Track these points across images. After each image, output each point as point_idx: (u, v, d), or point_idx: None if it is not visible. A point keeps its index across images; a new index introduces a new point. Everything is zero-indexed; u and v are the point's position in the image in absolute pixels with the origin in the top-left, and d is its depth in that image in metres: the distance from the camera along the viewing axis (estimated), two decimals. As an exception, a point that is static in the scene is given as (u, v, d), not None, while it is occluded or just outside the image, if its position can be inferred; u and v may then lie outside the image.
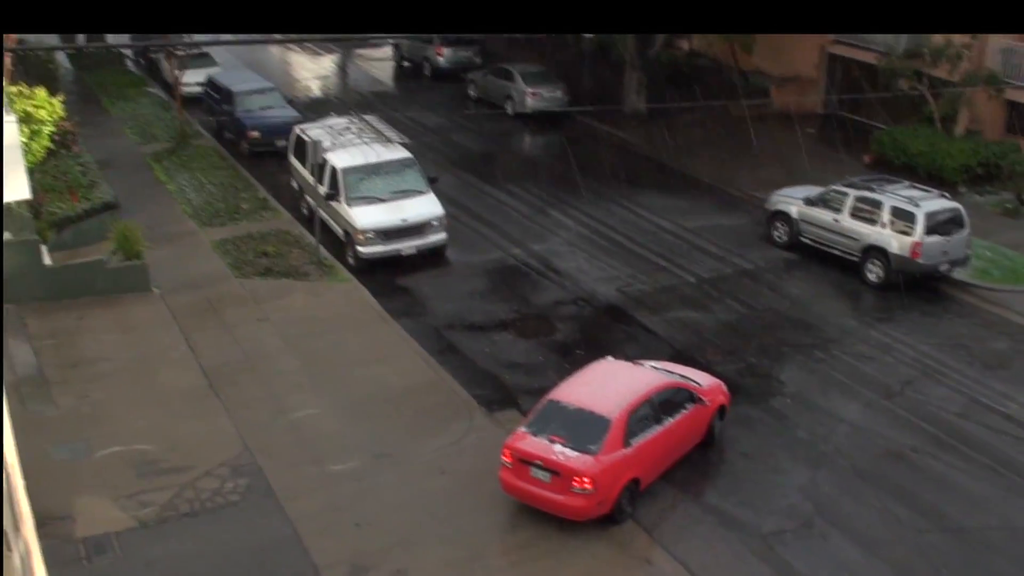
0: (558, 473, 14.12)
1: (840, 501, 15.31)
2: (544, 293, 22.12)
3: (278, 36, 31.80)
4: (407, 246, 22.87)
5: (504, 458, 14.56)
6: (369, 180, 23.20)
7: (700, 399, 15.87)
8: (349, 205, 22.95)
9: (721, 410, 16.69)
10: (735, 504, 15.10)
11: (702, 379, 16.73)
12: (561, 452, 14.22)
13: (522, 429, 14.71)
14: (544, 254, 24.06)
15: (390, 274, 22.88)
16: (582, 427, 14.39)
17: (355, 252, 22.93)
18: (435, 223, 23.13)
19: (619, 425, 14.31)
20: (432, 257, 23.58)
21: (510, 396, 18.13)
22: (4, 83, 17.87)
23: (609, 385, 14.95)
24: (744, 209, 27.13)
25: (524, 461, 14.32)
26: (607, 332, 20.28)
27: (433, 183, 24.15)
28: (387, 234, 22.77)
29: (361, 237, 22.64)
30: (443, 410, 17.37)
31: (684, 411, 15.57)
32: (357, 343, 19.71)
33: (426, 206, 23.26)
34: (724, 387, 16.97)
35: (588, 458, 14.15)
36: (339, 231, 23.77)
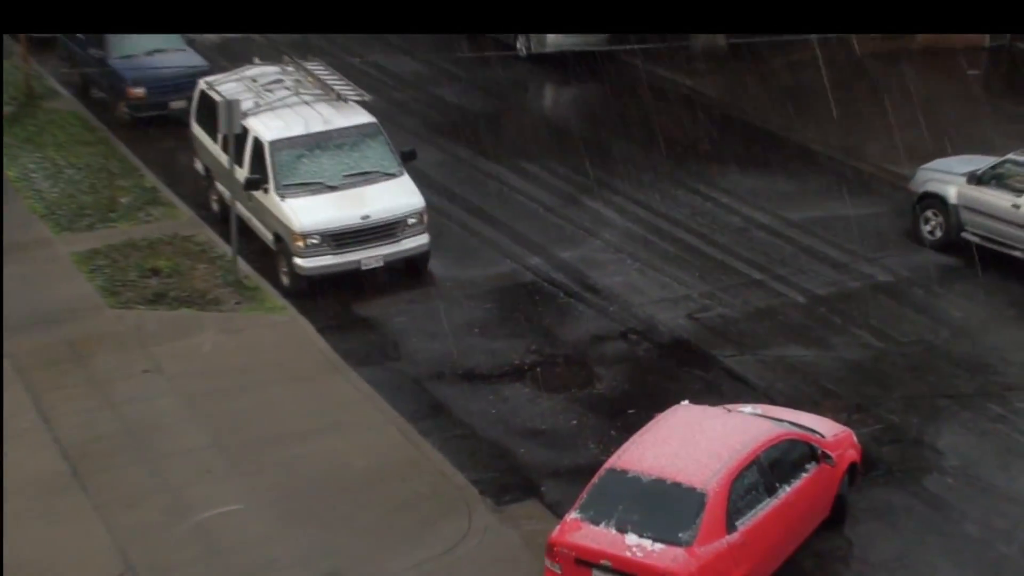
0: None
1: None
2: (577, 324, 22.34)
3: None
4: (370, 256, 23.27)
5: (551, 561, 14.91)
6: (312, 158, 23.73)
7: (826, 455, 16.33)
8: (282, 197, 23.30)
9: (851, 470, 17.18)
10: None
11: (823, 427, 17.22)
12: (638, 545, 14.60)
13: (574, 516, 15.09)
14: (577, 265, 24.36)
15: (345, 299, 23.18)
16: (664, 506, 14.81)
17: (292, 267, 23.30)
18: (412, 221, 23.51)
19: (719, 500, 14.75)
20: (408, 272, 23.91)
21: (528, 481, 18.43)
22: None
23: (696, 443, 15.41)
24: (877, 192, 27.57)
25: (583, 563, 14.69)
26: (673, 380, 20.51)
27: (409, 161, 24.36)
28: (340, 239, 23.15)
29: (301, 244, 22.96)
30: (427, 504, 17.58)
31: (805, 474, 16.08)
32: (296, 404, 19.96)
33: (398, 196, 23.65)
34: (853, 437, 17.43)
35: (679, 552, 14.49)
36: (267, 235, 24.15)
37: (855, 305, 22.84)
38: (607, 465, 15.43)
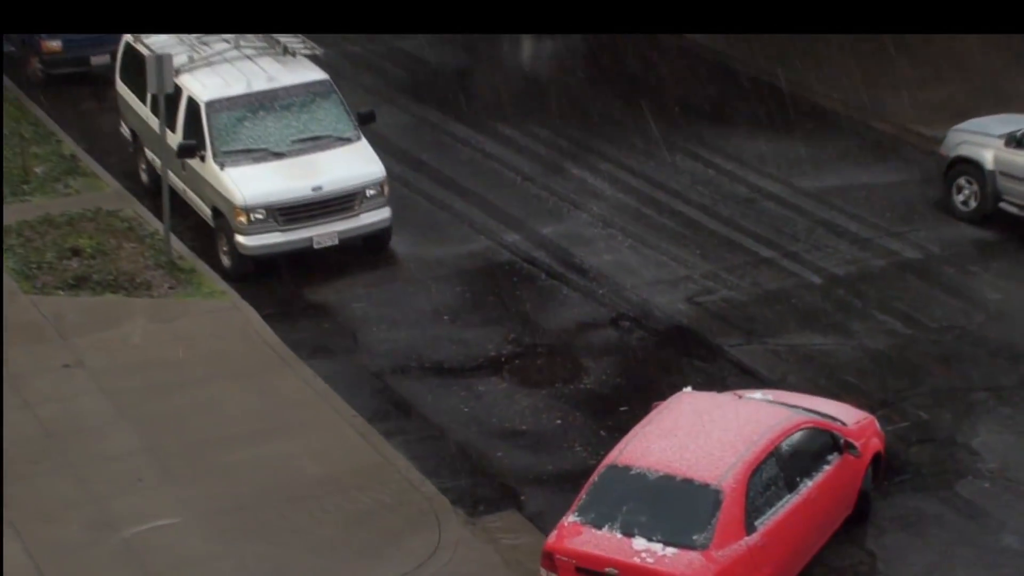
0: None
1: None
2: (562, 309, 22.54)
3: None
4: (323, 234, 23.40)
5: (547, 571, 15.22)
6: (255, 121, 23.76)
7: (849, 445, 16.61)
8: (221, 165, 23.33)
9: (875, 461, 17.48)
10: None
11: (843, 414, 17.49)
12: (647, 550, 14.87)
13: (572, 519, 15.30)
14: (561, 242, 24.54)
15: (295, 283, 23.38)
16: (675, 506, 15.09)
17: (234, 245, 23.38)
18: (371, 192, 23.62)
19: (736, 498, 15.01)
20: (368, 252, 24.09)
21: (505, 489, 18.55)
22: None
23: (707, 433, 15.70)
24: (903, 156, 27.63)
25: (585, 572, 14.95)
26: (672, 372, 20.65)
27: (367, 123, 24.45)
28: (288, 213, 23.25)
29: (243, 219, 23.02)
30: (391, 516, 17.65)
31: (827, 466, 16.37)
32: (239, 403, 19.99)
33: (355, 164, 23.77)
34: (876, 424, 17.74)
35: (695, 556, 14.73)
36: (205, 210, 24.21)
37: (878, 286, 23.00)
38: (607, 461, 15.61)
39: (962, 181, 25.05)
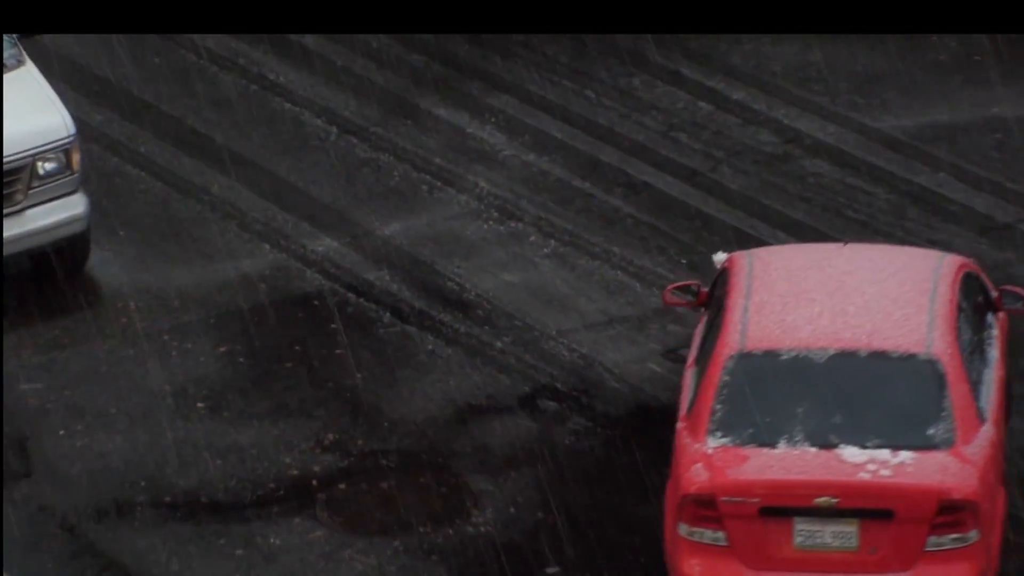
0: (889, 514, 13.60)
1: None
2: (426, 380, 18.82)
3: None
4: None
5: (701, 527, 13.89)
6: None
7: (1017, 295, 16.28)
8: None
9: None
10: None
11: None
12: (870, 462, 13.82)
13: (715, 443, 14.23)
14: (420, 249, 20.52)
15: None
16: (878, 393, 14.27)
17: None
18: (48, 166, 19.58)
19: (957, 369, 14.46)
20: (45, 280, 20.16)
21: None
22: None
23: (857, 289, 15.25)
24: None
25: (776, 511, 13.85)
26: (640, 495, 17.03)
27: (31, 37, 20.67)
28: None
29: None
30: None
31: (995, 331, 16.01)
32: None
33: (14, 112, 19.70)
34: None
35: (946, 459, 13.93)
36: None
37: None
38: (724, 352, 14.59)
39: None
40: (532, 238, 20.12)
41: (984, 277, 16.14)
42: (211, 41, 23.15)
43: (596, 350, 18.44)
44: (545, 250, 19.94)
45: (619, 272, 19.37)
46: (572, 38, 23.48)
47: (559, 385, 17.95)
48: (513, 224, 20.47)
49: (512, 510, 16.57)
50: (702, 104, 22.13)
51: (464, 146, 21.79)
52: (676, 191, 20.55)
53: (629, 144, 21.47)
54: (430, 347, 18.57)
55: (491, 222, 20.57)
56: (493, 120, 22.02)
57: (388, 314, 19.01)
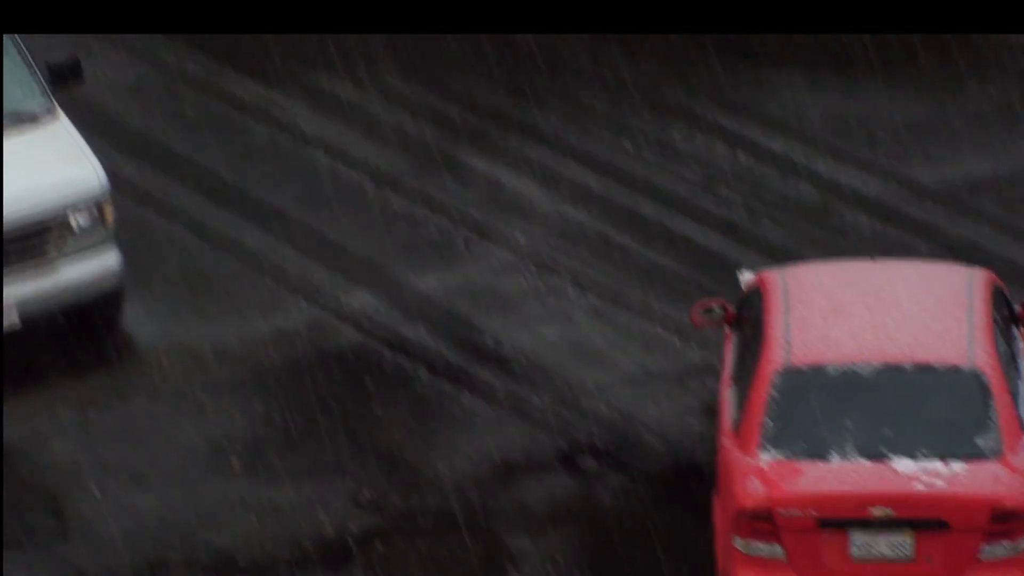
0: (944, 525, 14.00)
1: None
2: (463, 437, 19.08)
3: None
4: None
5: (756, 541, 14.26)
6: None
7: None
8: None
9: None
10: None
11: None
12: (923, 472, 14.29)
13: (768, 458, 14.61)
14: (457, 304, 20.66)
15: None
16: (924, 405, 14.64)
17: None
18: (80, 222, 19.49)
19: (999, 380, 14.88)
20: (78, 334, 20.21)
21: None
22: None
23: (894, 303, 15.71)
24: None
25: (833, 523, 14.17)
26: (684, 550, 17.63)
27: (67, 84, 20.27)
28: None
29: None
30: None
31: (1018, 340, 16.63)
32: None
33: (44, 167, 19.91)
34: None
35: (996, 469, 14.34)
36: None
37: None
38: (770, 368, 15.04)
39: None
40: (570, 292, 20.41)
41: (1007, 292, 16.48)
42: (244, 91, 23.36)
43: (635, 406, 18.66)
44: (583, 304, 20.25)
45: (658, 327, 19.66)
46: (610, 89, 23.55)
47: (597, 442, 18.21)
48: (550, 278, 20.73)
49: (550, 569, 16.64)
50: (741, 155, 22.42)
51: (501, 198, 22.08)
52: (715, 244, 20.85)
53: (667, 196, 21.83)
54: (467, 403, 18.83)
55: (528, 276, 20.79)
56: (530, 172, 22.31)
57: (424, 370, 19.37)
